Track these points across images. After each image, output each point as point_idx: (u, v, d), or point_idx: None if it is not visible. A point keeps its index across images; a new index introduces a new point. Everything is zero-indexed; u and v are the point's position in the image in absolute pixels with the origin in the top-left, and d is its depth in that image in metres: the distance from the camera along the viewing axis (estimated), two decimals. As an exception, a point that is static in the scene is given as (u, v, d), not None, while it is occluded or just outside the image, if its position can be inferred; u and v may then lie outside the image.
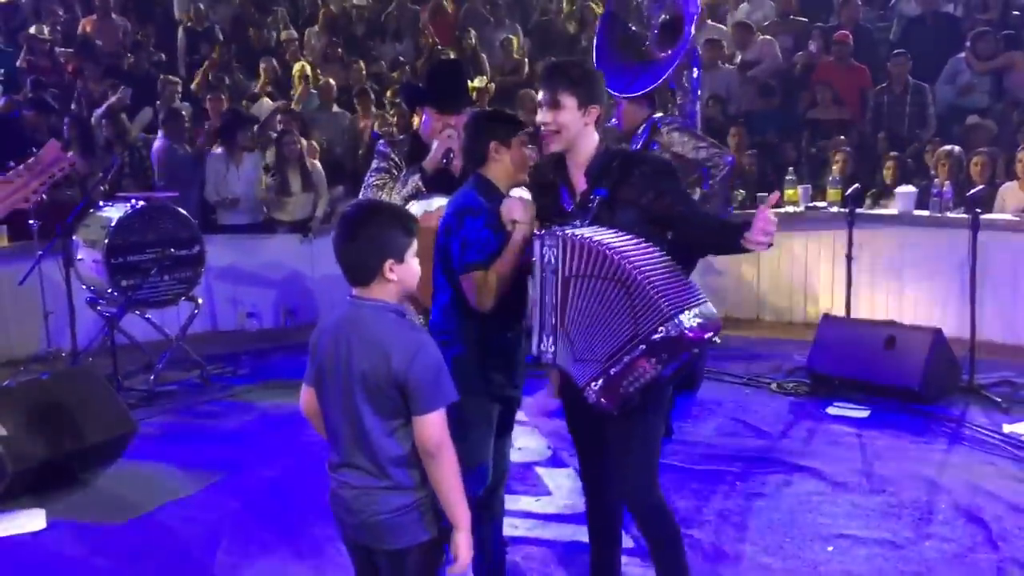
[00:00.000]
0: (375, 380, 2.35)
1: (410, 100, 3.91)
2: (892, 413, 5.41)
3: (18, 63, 9.64)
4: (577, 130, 2.93)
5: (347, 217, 2.45)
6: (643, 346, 2.69)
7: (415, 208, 3.50)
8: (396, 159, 3.68)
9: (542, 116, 2.95)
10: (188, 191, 7.52)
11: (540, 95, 2.98)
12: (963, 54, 8.42)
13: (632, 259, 2.71)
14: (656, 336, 2.67)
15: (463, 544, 2.39)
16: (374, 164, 3.74)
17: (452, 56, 9.42)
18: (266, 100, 9.21)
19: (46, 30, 10.25)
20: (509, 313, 3.07)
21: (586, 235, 2.78)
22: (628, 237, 2.81)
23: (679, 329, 2.66)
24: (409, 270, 2.44)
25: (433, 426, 2.34)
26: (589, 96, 2.93)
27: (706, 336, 2.72)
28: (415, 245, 2.45)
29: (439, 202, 3.48)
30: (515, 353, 3.13)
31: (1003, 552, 3.79)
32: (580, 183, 3.00)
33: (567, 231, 2.82)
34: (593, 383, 2.79)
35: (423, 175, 3.51)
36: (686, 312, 2.68)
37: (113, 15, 10.40)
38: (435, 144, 3.60)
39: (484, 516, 3.14)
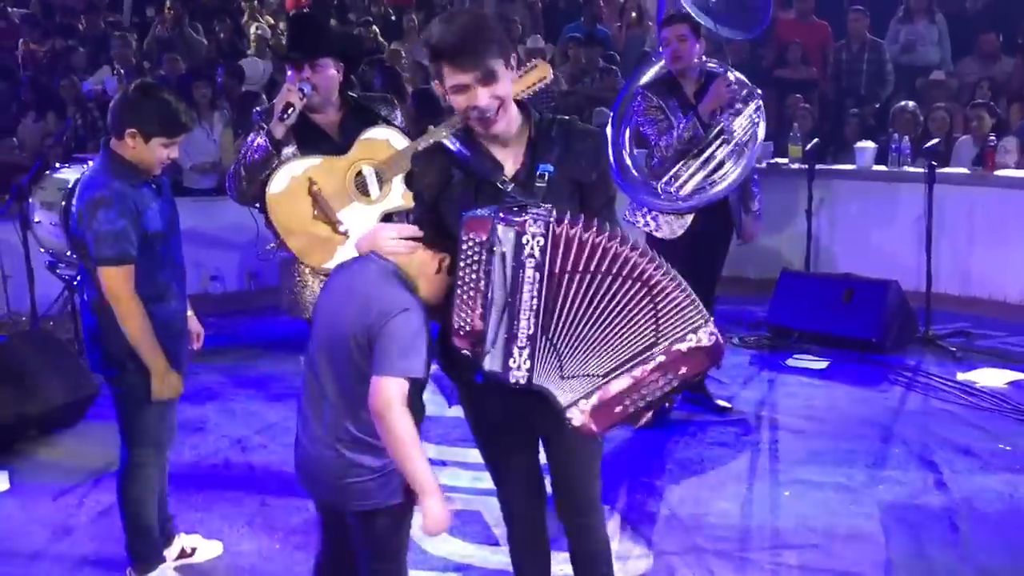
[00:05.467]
0: (355, 335, 2.29)
1: (283, 62, 3.77)
2: (850, 364, 5.51)
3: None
4: (511, 92, 2.37)
5: None
6: (663, 357, 2.21)
7: (282, 175, 3.38)
8: (265, 126, 3.41)
9: (482, 100, 2.28)
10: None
11: (458, 77, 2.27)
12: (899, 13, 8.43)
13: (643, 252, 2.22)
14: (682, 345, 2.20)
15: (429, 510, 2.25)
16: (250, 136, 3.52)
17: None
18: (257, 60, 8.95)
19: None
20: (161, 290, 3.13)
21: (574, 223, 2.22)
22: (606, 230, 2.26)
23: (712, 336, 2.20)
24: None
25: (384, 389, 2.22)
26: (505, 47, 2.32)
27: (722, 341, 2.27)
28: None
29: (303, 163, 3.39)
30: (177, 326, 3.30)
31: (952, 494, 3.90)
32: (511, 153, 2.41)
33: (551, 216, 2.21)
34: (582, 401, 2.22)
35: (271, 138, 3.30)
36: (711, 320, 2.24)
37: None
38: (275, 101, 3.32)
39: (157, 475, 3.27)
